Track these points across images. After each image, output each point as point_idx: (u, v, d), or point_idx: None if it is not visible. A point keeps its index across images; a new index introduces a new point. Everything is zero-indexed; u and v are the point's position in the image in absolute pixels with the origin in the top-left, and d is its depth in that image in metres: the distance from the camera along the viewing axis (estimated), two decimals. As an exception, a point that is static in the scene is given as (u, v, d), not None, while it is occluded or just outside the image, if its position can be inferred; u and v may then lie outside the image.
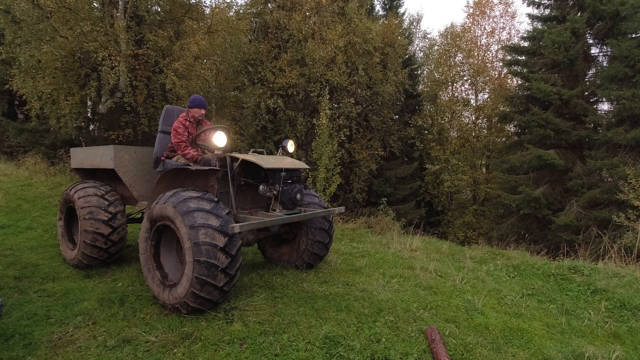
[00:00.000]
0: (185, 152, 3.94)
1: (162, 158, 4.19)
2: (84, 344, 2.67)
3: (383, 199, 10.55)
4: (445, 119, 20.37)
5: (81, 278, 4.03)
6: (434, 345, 2.71)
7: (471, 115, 20.56)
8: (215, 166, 3.59)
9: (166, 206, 3.10)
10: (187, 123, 4.12)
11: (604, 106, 14.44)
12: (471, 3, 21.05)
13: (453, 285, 4.22)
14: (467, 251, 6.16)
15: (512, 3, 31.97)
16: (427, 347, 2.77)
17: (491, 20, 20.74)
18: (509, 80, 19.81)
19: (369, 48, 14.10)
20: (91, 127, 13.29)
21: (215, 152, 3.65)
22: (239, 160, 3.63)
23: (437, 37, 24.76)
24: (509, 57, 16.29)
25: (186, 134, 4.04)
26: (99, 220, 4.08)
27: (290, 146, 4.33)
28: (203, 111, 4.21)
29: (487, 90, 20.50)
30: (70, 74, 9.94)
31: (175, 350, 2.59)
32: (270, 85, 13.00)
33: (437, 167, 17.46)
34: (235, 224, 3.05)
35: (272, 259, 4.64)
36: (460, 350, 2.77)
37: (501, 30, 20.63)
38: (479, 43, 20.72)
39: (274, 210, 3.80)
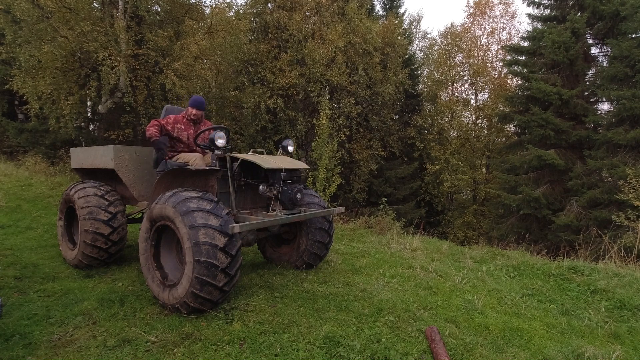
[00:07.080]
0: (149, 129, 4.02)
1: (166, 158, 4.19)
2: (84, 344, 2.67)
3: (383, 199, 10.53)
4: (445, 119, 20.36)
5: (81, 278, 4.03)
6: (434, 345, 2.71)
7: (471, 115, 20.55)
8: (165, 145, 3.89)
9: (166, 206, 3.10)
10: (185, 120, 4.30)
11: (604, 106, 14.46)
12: (471, 3, 21.07)
13: (453, 285, 4.22)
14: (467, 251, 6.15)
15: (512, 3, 32.00)
16: (427, 347, 2.77)
17: (491, 20, 20.76)
18: (509, 80, 19.80)
19: (369, 48, 14.11)
20: (91, 127, 13.31)
21: (216, 152, 3.66)
22: (239, 160, 3.63)
23: (437, 37, 24.78)
24: (509, 57, 16.28)
25: (170, 125, 4.16)
26: (99, 220, 4.07)
27: (290, 146, 4.33)
28: (198, 112, 4.32)
29: (487, 90, 20.50)
30: (70, 74, 9.94)
31: (175, 350, 2.59)
32: (270, 85, 13.00)
33: (437, 167, 17.45)
34: (235, 224, 3.05)
35: (272, 259, 4.63)
36: (460, 350, 2.77)
37: (501, 30, 20.65)
38: (479, 43, 20.72)
39: (274, 210, 3.79)
